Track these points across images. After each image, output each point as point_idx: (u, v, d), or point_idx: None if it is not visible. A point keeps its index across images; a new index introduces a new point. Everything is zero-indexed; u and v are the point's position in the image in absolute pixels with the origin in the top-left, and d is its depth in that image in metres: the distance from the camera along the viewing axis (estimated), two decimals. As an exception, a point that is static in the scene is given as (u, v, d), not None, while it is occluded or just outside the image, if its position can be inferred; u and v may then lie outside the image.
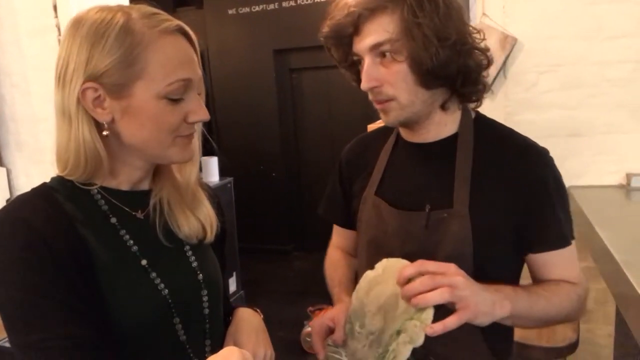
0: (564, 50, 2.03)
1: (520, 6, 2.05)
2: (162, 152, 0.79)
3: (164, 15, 0.78)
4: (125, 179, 0.83)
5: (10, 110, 2.22)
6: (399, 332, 0.83)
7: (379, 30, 0.89)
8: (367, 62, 0.92)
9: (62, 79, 0.75)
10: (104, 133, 0.76)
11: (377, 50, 0.91)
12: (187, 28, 0.79)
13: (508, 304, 0.83)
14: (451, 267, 0.80)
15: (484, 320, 0.80)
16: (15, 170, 2.30)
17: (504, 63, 2.08)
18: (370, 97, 0.96)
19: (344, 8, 0.92)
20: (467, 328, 0.80)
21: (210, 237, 0.90)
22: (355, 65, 0.99)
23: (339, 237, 1.24)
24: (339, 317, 0.96)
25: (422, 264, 0.81)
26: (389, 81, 0.92)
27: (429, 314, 0.80)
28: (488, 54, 0.96)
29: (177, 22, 0.78)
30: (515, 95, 2.11)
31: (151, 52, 0.73)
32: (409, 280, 0.81)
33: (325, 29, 0.97)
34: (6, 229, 0.71)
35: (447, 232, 0.94)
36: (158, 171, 0.88)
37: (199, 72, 0.80)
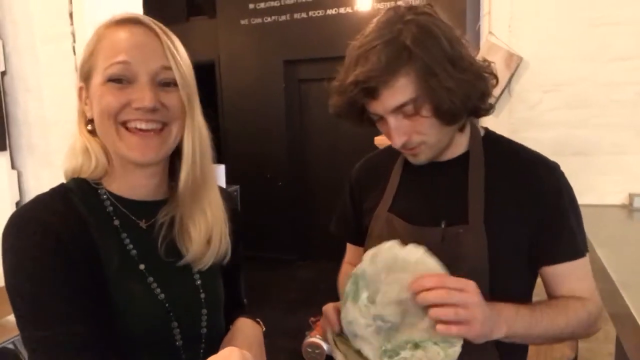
0: (569, 71, 2.04)
1: (526, 26, 2.07)
2: (113, 144, 0.81)
3: (128, 14, 0.82)
4: (124, 184, 0.84)
5: (24, 113, 2.26)
6: (417, 346, 0.82)
7: (397, 94, 0.88)
8: (392, 122, 0.91)
9: None
10: (88, 127, 0.83)
11: (400, 110, 0.90)
12: (142, 17, 0.81)
13: (504, 327, 0.85)
14: (470, 285, 0.80)
15: (479, 341, 0.82)
16: (25, 173, 2.33)
17: (509, 81, 2.10)
18: (398, 147, 0.96)
19: (354, 83, 0.88)
20: (483, 346, 0.82)
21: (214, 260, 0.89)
22: (370, 120, 0.98)
23: (352, 254, 1.24)
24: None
25: (443, 281, 0.80)
26: (416, 131, 0.93)
27: (456, 352, 0.80)
28: (494, 72, 0.96)
29: (130, 14, 0.82)
30: (520, 114, 2.12)
31: (100, 43, 0.80)
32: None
33: (337, 102, 0.96)
34: (22, 228, 0.73)
35: (463, 247, 0.94)
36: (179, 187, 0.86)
37: (157, 60, 0.78)
